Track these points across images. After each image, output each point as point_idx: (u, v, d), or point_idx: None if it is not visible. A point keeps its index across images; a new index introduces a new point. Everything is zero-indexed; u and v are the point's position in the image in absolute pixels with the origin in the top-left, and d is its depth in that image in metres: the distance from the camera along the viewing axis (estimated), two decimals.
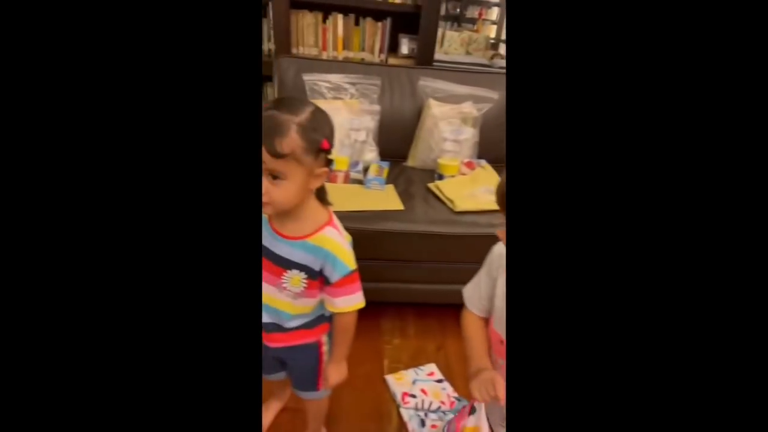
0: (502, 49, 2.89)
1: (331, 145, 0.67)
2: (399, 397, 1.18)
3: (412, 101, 1.68)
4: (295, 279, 0.74)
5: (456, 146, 1.60)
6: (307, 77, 1.55)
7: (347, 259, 0.73)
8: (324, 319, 0.84)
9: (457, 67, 1.90)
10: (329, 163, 0.70)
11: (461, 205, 1.32)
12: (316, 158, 0.66)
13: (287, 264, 0.74)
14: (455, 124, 1.58)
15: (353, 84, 1.61)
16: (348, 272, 0.73)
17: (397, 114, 1.68)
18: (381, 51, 2.15)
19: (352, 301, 0.76)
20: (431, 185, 1.47)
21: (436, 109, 1.57)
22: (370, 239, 1.30)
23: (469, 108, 1.58)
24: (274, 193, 0.66)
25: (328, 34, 2.09)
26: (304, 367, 0.90)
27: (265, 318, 0.81)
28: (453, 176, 1.54)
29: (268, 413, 1.11)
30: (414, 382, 1.23)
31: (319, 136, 0.65)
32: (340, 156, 1.50)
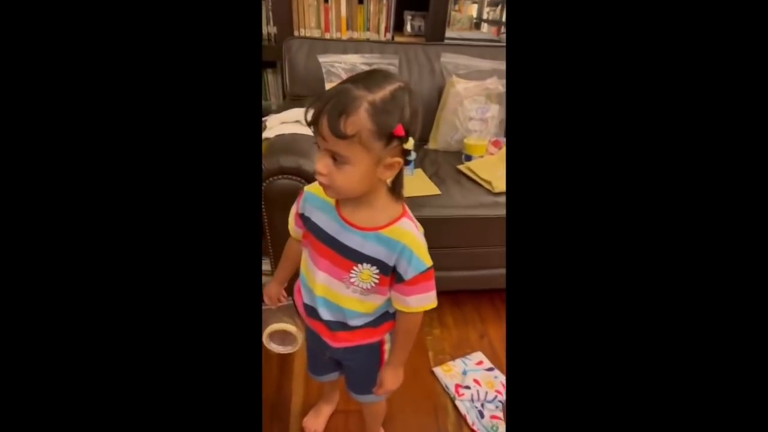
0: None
1: (409, 133, 0.58)
2: (452, 390, 1.13)
3: (431, 79, 1.60)
4: (366, 273, 0.67)
5: (482, 125, 1.53)
6: (323, 59, 1.45)
7: (424, 255, 0.66)
8: (388, 317, 0.76)
9: (477, 42, 1.80)
10: (406, 153, 0.61)
11: (500, 185, 1.26)
12: (388, 145, 0.57)
13: (358, 257, 0.66)
14: (480, 102, 1.51)
15: (370, 65, 1.52)
16: (424, 269, 0.66)
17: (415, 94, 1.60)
18: (387, 30, 2.04)
19: (426, 300, 0.69)
20: (461, 167, 1.41)
21: (460, 86, 1.50)
22: None
23: (494, 84, 1.50)
24: (335, 176, 0.59)
25: (331, 15, 1.97)
26: (365, 369, 0.83)
27: (328, 316, 0.74)
28: (481, 156, 1.47)
29: (320, 418, 1.05)
30: (464, 372, 1.18)
31: (392, 121, 0.56)
32: None
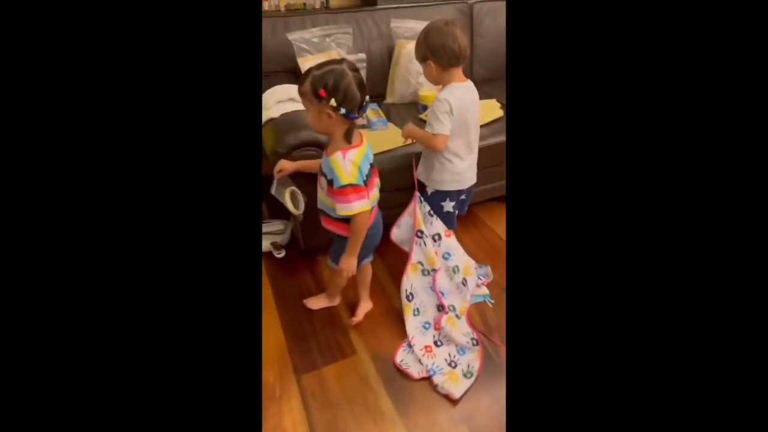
0: None
1: (331, 96, 0.98)
2: None
3: (381, 42, 1.85)
4: (324, 181, 1.10)
5: None
6: (292, 36, 1.62)
7: (342, 176, 1.04)
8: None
9: (412, 4, 2.02)
10: (337, 110, 0.99)
11: None
12: (320, 102, 0.99)
13: (322, 172, 1.10)
14: None
15: (328, 35, 1.72)
16: (340, 185, 1.04)
17: (368, 57, 1.84)
18: None
19: (345, 209, 1.06)
20: (423, 116, 1.73)
21: (409, 46, 1.77)
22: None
23: None
24: (307, 115, 1.06)
25: None
26: (338, 251, 1.23)
27: (320, 206, 1.19)
28: None
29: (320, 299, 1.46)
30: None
31: (318, 87, 0.97)
32: None
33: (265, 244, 1.65)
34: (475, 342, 1.34)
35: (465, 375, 1.26)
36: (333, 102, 0.97)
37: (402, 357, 1.31)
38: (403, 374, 1.27)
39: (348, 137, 1.06)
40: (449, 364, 1.28)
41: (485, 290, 1.53)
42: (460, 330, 1.35)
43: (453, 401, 1.20)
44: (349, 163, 1.05)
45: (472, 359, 1.30)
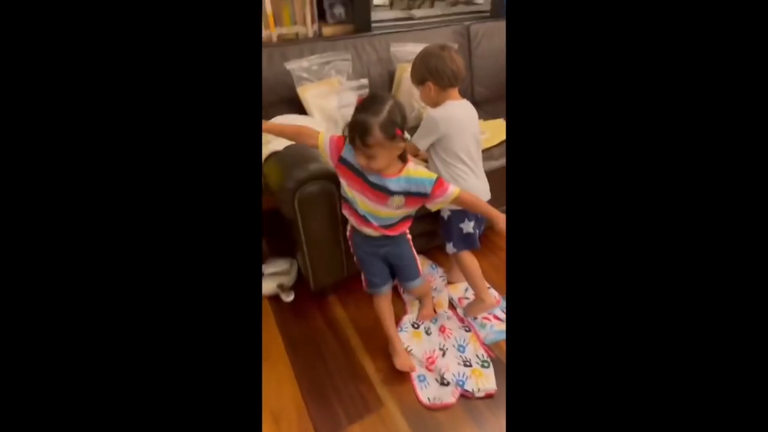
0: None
1: (403, 131, 0.98)
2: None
3: (380, 67, 1.79)
4: (397, 200, 1.04)
5: None
6: (290, 66, 1.55)
7: (427, 174, 1.06)
8: (408, 217, 1.17)
9: (406, 28, 1.99)
10: (405, 139, 1.00)
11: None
12: (394, 141, 0.97)
13: (391, 192, 1.04)
14: None
15: (327, 63, 1.65)
16: (433, 181, 1.05)
17: (369, 82, 1.77)
18: (313, 21, 2.13)
19: (446, 199, 1.07)
20: None
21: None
22: None
23: None
24: (371, 163, 1.00)
25: None
26: (404, 254, 1.20)
27: (376, 222, 1.13)
28: None
29: (404, 354, 1.28)
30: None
31: (393, 129, 0.96)
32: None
33: (271, 287, 1.52)
34: (467, 329, 1.38)
35: (483, 365, 1.27)
36: (406, 134, 0.99)
37: (426, 395, 1.20)
38: (440, 409, 1.17)
39: (403, 157, 1.06)
40: (465, 365, 1.27)
41: None
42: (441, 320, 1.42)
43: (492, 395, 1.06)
44: (417, 164, 1.10)
45: (475, 347, 1.32)
